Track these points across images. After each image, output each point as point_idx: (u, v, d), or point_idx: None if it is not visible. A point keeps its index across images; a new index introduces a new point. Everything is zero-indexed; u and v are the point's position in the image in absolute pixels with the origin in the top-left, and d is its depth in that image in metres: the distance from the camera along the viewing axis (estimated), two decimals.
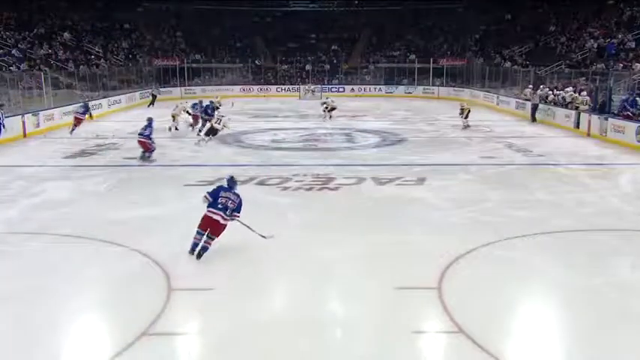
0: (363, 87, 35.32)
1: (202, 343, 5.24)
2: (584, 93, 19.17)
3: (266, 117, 23.01)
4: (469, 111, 19.44)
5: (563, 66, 25.58)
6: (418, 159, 13.59)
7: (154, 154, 13.40)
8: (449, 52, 37.12)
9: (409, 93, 34.09)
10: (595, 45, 25.79)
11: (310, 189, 10.57)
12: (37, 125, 17.80)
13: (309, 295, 6.03)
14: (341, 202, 9.67)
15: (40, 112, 18.35)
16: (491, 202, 9.56)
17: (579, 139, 16.99)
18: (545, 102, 21.41)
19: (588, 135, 17.41)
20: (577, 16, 30.46)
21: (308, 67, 37.41)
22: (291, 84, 35.74)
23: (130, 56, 34.27)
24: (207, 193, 7.01)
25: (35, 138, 16.65)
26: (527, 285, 6.30)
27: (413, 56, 37.11)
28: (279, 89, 34.81)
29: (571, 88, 20.82)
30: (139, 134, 13.40)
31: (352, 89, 35.14)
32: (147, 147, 13.32)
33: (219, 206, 6.83)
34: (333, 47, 39.69)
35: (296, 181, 11.06)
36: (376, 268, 6.70)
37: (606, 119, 16.66)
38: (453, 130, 18.93)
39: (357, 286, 6.24)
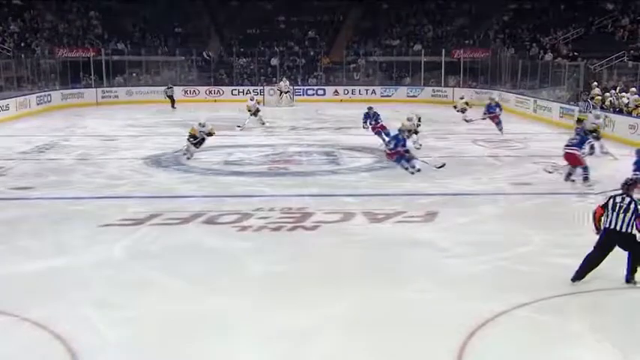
0: (350, 88, 35.74)
1: None
2: None
3: (217, 129, 22.92)
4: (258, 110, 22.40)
5: (625, 58, 25.99)
6: (427, 186, 13.68)
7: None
8: (467, 42, 37.73)
9: (413, 97, 34.46)
10: None
11: (278, 229, 10.56)
12: None
13: None
14: (321, 247, 9.68)
15: None
16: (527, 247, 9.63)
17: None
18: (602, 108, 21.73)
19: None
20: None
21: (275, 61, 37.65)
22: (252, 84, 35.94)
23: (23, 44, 34.10)
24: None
25: None
26: None
27: (418, 46, 37.65)
28: (234, 91, 34.95)
29: (635, 89, 21.24)
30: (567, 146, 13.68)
31: (336, 92, 35.58)
32: (576, 161, 13.45)
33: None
34: (309, 34, 40.14)
35: (259, 218, 11.06)
36: (369, 338, 6.66)
37: None
38: (474, 146, 19.15)
39: None
